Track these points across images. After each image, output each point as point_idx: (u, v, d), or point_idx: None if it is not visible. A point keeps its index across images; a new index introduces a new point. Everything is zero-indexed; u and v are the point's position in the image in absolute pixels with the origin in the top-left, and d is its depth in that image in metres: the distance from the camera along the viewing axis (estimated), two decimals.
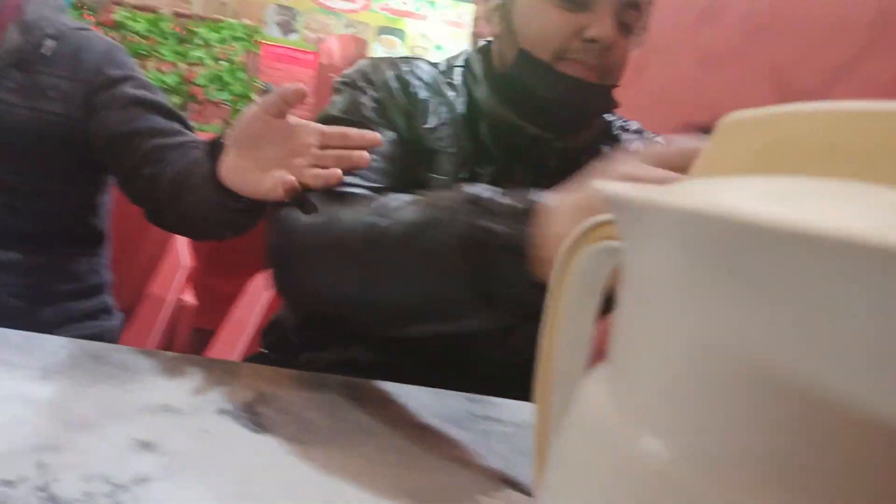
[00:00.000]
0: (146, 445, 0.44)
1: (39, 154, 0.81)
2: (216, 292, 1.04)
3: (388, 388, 0.61)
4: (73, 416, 0.47)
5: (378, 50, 8.23)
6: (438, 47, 8.26)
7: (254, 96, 3.34)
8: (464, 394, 0.63)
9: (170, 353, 0.60)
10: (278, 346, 0.79)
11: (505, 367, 0.70)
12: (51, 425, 0.45)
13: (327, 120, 0.69)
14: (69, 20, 0.87)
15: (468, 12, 8.04)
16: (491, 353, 0.73)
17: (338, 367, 0.68)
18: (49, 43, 0.83)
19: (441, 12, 8.18)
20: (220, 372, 0.58)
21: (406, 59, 0.76)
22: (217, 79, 3.12)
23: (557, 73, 0.70)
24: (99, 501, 0.37)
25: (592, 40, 0.68)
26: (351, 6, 7.89)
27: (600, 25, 0.68)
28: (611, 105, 0.75)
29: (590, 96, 0.72)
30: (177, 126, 0.82)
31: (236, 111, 3.11)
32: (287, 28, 7.32)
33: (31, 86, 0.80)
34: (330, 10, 8.20)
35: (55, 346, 0.58)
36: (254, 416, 0.51)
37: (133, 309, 1.00)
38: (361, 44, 7.12)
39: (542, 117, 0.72)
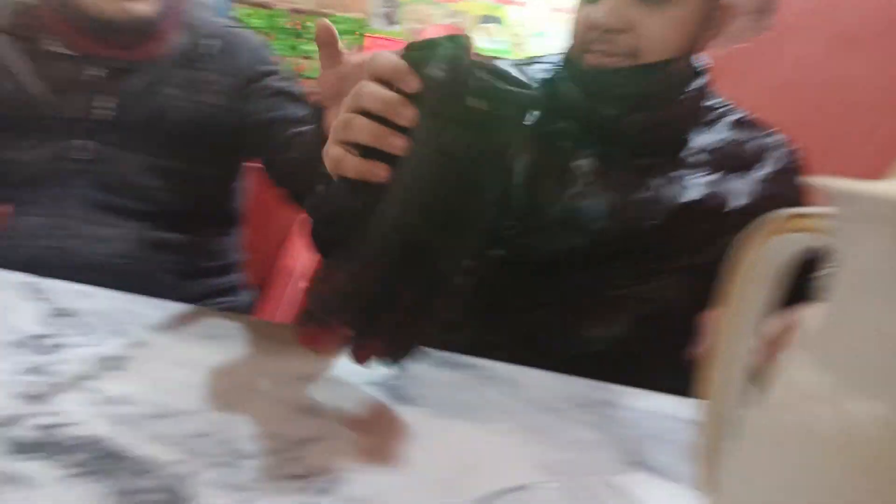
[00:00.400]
0: (309, 409, 0.48)
1: (196, 142, 0.89)
2: None
3: (515, 372, 0.63)
4: (240, 380, 0.52)
5: (479, 39, 8.27)
6: (539, 34, 8.16)
7: None
8: (585, 379, 0.63)
9: None
10: None
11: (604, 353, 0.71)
12: (219, 388, 0.50)
13: None
14: (223, 20, 0.95)
15: None
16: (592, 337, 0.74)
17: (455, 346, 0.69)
18: (209, 42, 0.92)
19: None
20: None
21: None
22: None
23: (581, 67, 0.72)
24: (273, 456, 0.41)
25: (605, 28, 0.69)
26: None
27: (599, 10, 0.68)
28: (664, 80, 0.72)
29: (620, 81, 0.71)
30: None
31: None
32: (390, 19, 7.46)
33: (193, 81, 0.89)
34: (431, 0, 8.27)
35: (217, 317, 0.64)
36: (397, 390, 0.54)
37: (264, 284, 1.08)
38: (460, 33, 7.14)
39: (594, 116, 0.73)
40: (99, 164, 0.88)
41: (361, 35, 3.82)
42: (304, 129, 0.85)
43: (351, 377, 0.55)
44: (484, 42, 8.64)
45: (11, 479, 0.36)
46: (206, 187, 0.94)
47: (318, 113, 0.67)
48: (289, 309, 1.04)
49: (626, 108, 0.73)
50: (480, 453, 0.47)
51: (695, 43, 0.73)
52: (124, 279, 0.70)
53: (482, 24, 8.49)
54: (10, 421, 0.41)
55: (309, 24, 3.35)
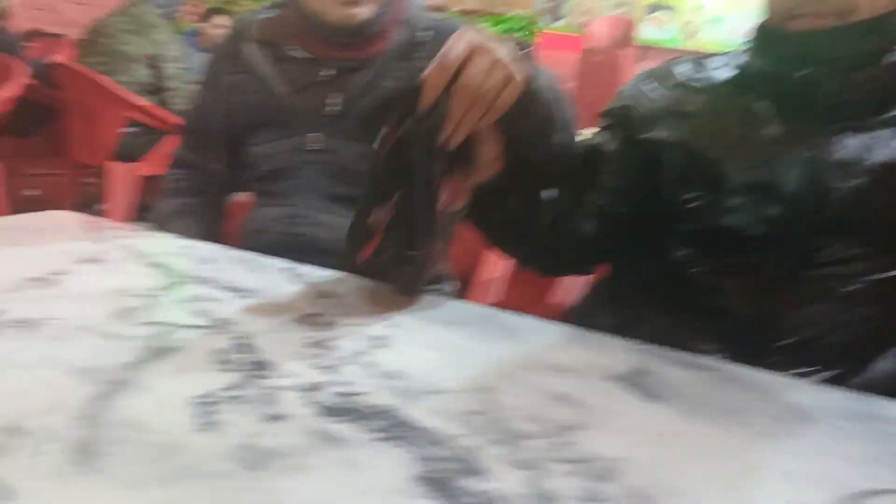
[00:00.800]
0: (564, 398, 0.50)
1: None
2: None
3: (755, 374, 0.60)
4: (490, 364, 0.55)
5: (647, 29, 7.89)
6: (718, 19, 7.62)
7: None
8: (841, 389, 0.59)
9: (556, 324, 0.66)
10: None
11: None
12: (475, 371, 0.53)
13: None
14: (435, 14, 1.06)
15: None
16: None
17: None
18: (423, 34, 1.00)
19: None
20: (594, 342, 0.63)
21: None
22: None
23: (784, 34, 0.70)
24: (546, 439, 0.43)
25: None
26: None
27: None
28: (879, 37, 0.67)
29: (833, 41, 0.67)
30: None
31: None
32: (555, 15, 7.37)
33: (410, 71, 0.95)
34: None
35: (453, 303, 0.68)
36: (640, 387, 0.54)
37: (471, 275, 1.12)
38: (628, 24, 6.90)
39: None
40: (328, 155, 0.98)
41: (531, 32, 3.84)
42: None
43: (594, 370, 0.56)
44: (652, 32, 8.25)
45: (330, 438, 0.41)
46: None
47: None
48: (491, 299, 1.08)
49: (838, 69, 0.68)
50: (749, 460, 0.45)
51: None
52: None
53: (651, 14, 8.09)
54: (315, 387, 0.47)
55: (479, 23, 3.44)
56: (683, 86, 0.78)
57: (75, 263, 0.68)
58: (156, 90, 2.72)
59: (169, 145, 2.75)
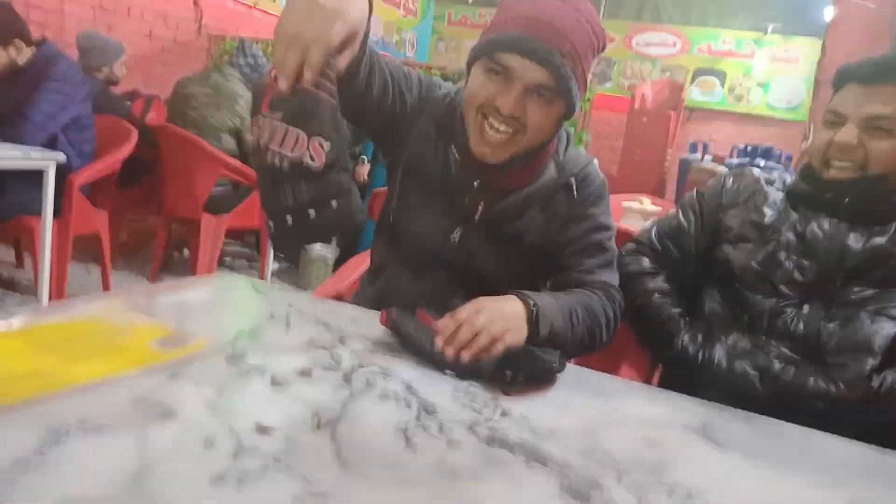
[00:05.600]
0: (651, 441, 0.66)
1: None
2: None
3: (802, 431, 0.75)
4: (595, 413, 0.72)
5: (694, 92, 8.03)
6: (764, 85, 7.72)
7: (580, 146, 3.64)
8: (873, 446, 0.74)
9: (637, 384, 0.83)
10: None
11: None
12: (580, 419, 0.70)
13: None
14: (583, 156, 1.09)
15: (797, 46, 7.39)
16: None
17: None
18: (573, 181, 1.05)
19: (767, 49, 7.67)
20: (670, 400, 0.79)
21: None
22: None
23: (821, 180, 1.02)
24: (641, 471, 0.60)
25: (842, 146, 0.98)
26: (668, 51, 7.91)
27: (843, 134, 0.98)
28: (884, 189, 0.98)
29: (856, 190, 0.99)
30: None
31: None
32: (603, 77, 7.60)
33: (550, 211, 1.05)
34: (646, 57, 8.27)
35: None
36: (711, 436, 0.70)
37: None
38: (676, 87, 7.09)
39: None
40: (463, 253, 1.05)
41: (587, 99, 4.05)
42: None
43: (672, 422, 0.72)
44: (699, 95, 8.35)
45: (494, 459, 0.58)
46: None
47: None
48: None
49: (856, 208, 1.01)
50: (788, 494, 0.61)
51: None
52: None
53: (700, 78, 8.24)
54: (474, 423, 0.65)
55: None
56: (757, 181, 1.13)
57: (263, 320, 0.88)
58: (241, 155, 2.98)
59: (253, 201, 3.03)
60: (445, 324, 0.79)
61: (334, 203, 0.82)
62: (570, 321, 0.90)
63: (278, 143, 0.78)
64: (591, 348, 0.97)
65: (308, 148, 0.78)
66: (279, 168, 0.79)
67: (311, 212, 0.81)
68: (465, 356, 0.76)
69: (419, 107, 1.05)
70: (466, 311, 0.80)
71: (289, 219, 0.81)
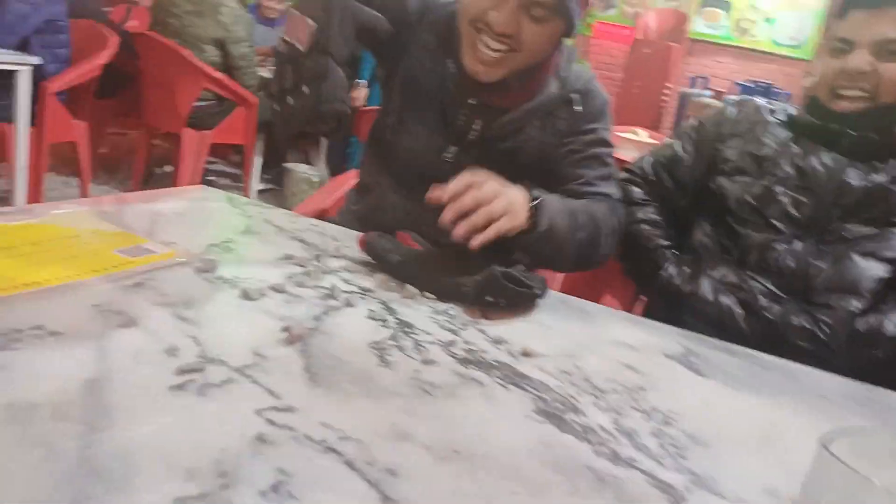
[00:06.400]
0: (630, 366, 0.65)
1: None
2: None
3: (789, 365, 0.74)
4: (577, 337, 0.70)
5: (699, 23, 7.77)
6: (770, 20, 7.50)
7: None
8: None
9: (621, 312, 0.81)
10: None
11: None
12: (561, 342, 0.68)
13: None
14: (586, 73, 1.03)
15: None
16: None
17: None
18: (575, 97, 1.00)
19: None
20: (653, 328, 0.78)
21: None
22: None
23: (828, 112, 0.98)
24: (619, 394, 0.59)
25: (853, 72, 0.94)
26: None
27: (854, 59, 0.93)
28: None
29: (865, 122, 0.95)
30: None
31: None
32: (607, 3, 7.31)
33: (549, 127, 0.99)
34: None
35: None
36: (691, 364, 0.69)
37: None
38: (681, 18, 6.85)
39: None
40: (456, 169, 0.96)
41: (588, 23, 3.91)
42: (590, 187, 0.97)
43: (651, 349, 0.71)
44: (703, 27, 8.09)
45: (470, 379, 0.57)
46: None
47: None
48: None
49: (862, 138, 0.97)
50: (769, 422, 0.60)
51: None
52: None
53: (705, 9, 7.95)
54: (450, 343, 0.63)
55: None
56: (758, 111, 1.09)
57: (238, 235, 0.85)
58: (226, 69, 2.86)
59: (238, 117, 2.93)
60: (455, 183, 0.76)
61: (305, 88, 0.79)
62: (572, 222, 0.87)
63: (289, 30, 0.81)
64: (591, 257, 0.94)
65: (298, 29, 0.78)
66: (279, 51, 0.83)
67: (290, 99, 0.81)
68: (460, 231, 0.74)
69: (420, 10, 1.00)
70: (477, 175, 0.77)
71: (275, 105, 0.85)
